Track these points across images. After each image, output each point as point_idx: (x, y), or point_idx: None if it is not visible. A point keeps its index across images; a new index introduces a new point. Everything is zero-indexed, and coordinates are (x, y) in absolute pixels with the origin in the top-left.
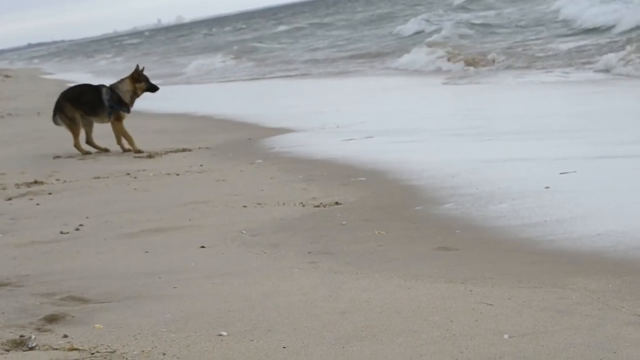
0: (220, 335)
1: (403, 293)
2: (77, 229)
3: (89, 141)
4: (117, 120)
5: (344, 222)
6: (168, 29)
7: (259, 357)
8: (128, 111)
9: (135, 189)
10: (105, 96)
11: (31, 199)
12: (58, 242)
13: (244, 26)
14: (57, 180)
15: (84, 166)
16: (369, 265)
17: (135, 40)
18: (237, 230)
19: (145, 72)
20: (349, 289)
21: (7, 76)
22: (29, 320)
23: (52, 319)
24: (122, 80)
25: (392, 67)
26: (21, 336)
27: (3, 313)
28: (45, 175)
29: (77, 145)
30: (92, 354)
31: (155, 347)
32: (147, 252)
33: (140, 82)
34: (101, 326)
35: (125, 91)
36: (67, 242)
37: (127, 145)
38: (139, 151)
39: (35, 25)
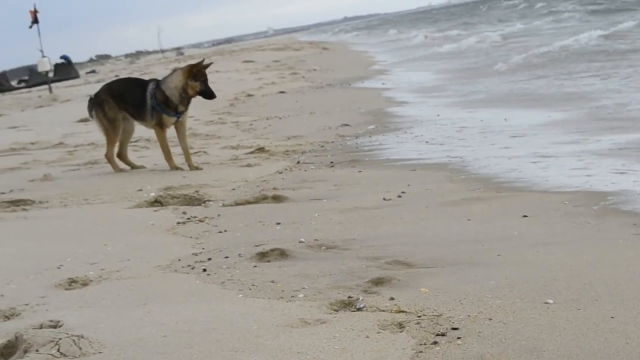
0: (546, 303)
1: None
2: (399, 196)
3: (120, 154)
4: (158, 126)
5: None
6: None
7: (587, 326)
8: (175, 115)
9: None
10: (148, 93)
11: (353, 167)
12: (381, 209)
13: None
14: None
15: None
16: None
17: None
18: (560, 200)
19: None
20: None
21: (325, 49)
22: (356, 282)
23: (378, 281)
24: (171, 73)
25: None
26: (349, 297)
27: (331, 275)
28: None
29: (109, 155)
30: (419, 316)
31: (481, 312)
32: (469, 220)
33: (196, 80)
34: (427, 290)
35: (172, 87)
36: (390, 208)
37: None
38: (196, 167)
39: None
